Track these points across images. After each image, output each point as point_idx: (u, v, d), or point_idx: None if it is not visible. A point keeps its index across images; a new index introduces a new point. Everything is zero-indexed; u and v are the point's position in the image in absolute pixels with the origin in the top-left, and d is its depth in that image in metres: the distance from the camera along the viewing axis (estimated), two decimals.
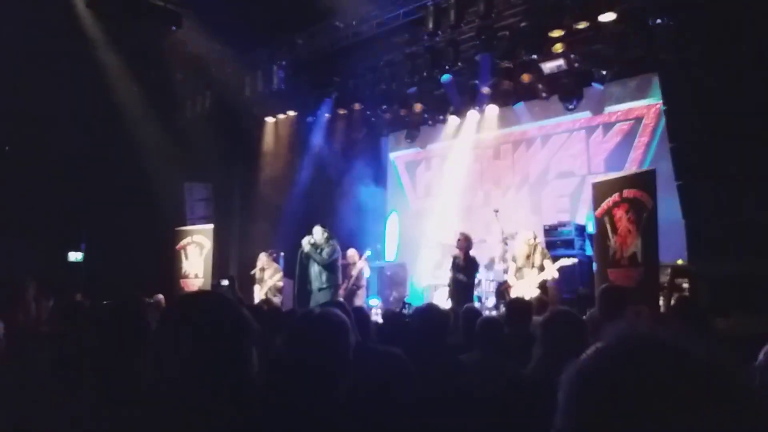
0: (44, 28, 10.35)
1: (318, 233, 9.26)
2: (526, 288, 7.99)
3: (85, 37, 10.57)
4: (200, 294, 1.65)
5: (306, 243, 9.19)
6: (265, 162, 12.91)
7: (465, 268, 8.59)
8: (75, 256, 13.13)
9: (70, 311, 5.55)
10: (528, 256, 8.23)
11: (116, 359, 2.14)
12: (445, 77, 10.66)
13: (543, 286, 8.08)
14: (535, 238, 8.37)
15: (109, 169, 11.98)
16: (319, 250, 9.14)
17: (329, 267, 9.14)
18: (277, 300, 9.60)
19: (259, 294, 10.08)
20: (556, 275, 8.14)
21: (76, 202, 11.86)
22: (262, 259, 10.38)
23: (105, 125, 11.83)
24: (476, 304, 9.06)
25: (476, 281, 9.24)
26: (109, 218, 11.90)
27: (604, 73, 9.98)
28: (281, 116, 12.80)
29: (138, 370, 2.10)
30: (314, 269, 9.20)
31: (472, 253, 8.80)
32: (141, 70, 11.62)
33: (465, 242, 8.73)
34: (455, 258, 8.74)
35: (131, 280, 9.60)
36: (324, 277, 9.11)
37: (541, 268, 8.12)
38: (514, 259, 8.52)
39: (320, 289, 9.09)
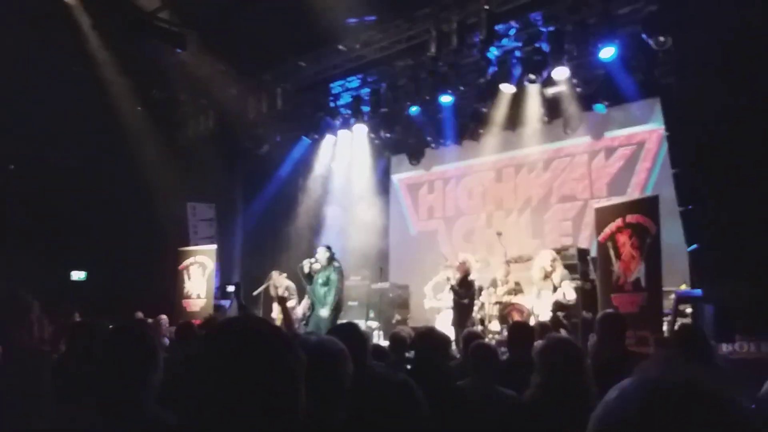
0: (50, 47, 10.45)
1: (321, 254, 9.17)
2: (543, 309, 7.90)
3: (90, 57, 10.66)
4: (247, 321, 1.39)
5: (307, 264, 9.12)
6: (269, 183, 12.94)
7: (461, 293, 8.93)
8: (78, 275, 13.14)
9: (71, 332, 5.55)
10: (545, 277, 8.12)
11: (122, 382, 2.11)
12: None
13: (561, 307, 7.92)
14: (554, 261, 8.19)
15: (112, 189, 12.02)
16: (326, 273, 9.01)
17: (334, 289, 9.00)
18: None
19: (277, 312, 9.97)
20: (573, 296, 7.95)
21: (80, 221, 11.89)
22: (274, 277, 10.31)
23: (109, 144, 11.89)
24: (478, 328, 9.05)
25: (477, 304, 9.31)
26: (112, 237, 11.92)
27: (605, 98, 10.03)
28: (284, 137, 12.86)
29: (145, 393, 2.12)
30: (318, 291, 9.08)
31: (471, 276, 9.00)
32: (145, 91, 11.71)
33: (464, 266, 9.03)
34: (452, 285, 9.10)
35: (134, 300, 9.60)
36: (328, 300, 8.96)
37: (556, 289, 7.96)
38: (534, 282, 8.46)
39: (324, 311, 8.95)
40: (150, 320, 8.23)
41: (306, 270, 9.10)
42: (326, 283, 9.00)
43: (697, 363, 3.78)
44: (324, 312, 8.93)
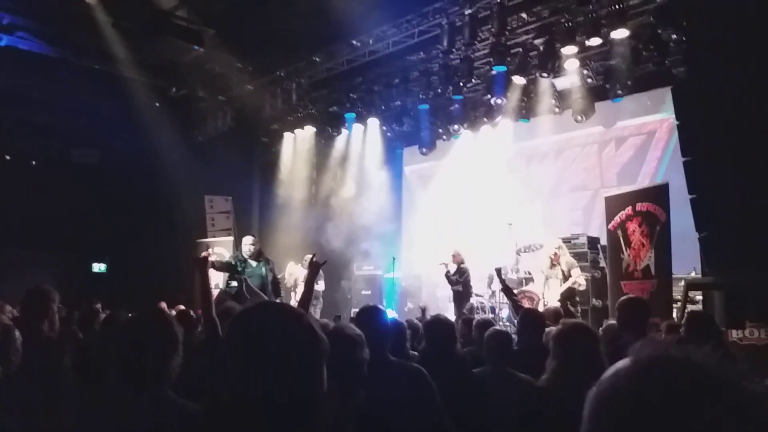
0: (71, 46, 10.68)
1: (246, 246, 8.16)
2: (551, 297, 8.02)
3: (109, 55, 10.86)
4: (271, 307, 1.40)
5: (233, 258, 8.31)
6: (285, 176, 13.14)
7: (457, 281, 9.56)
8: (98, 267, 13.43)
9: (91, 321, 5.73)
10: (552, 266, 8.22)
11: (144, 370, 2.12)
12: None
13: (570, 294, 8.02)
14: (559, 248, 8.26)
15: (132, 183, 12.27)
16: (255, 270, 8.07)
17: (270, 285, 8.12)
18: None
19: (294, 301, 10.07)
20: (581, 282, 8.03)
21: (101, 214, 12.15)
22: (291, 267, 10.53)
23: (129, 140, 12.13)
24: (489, 316, 9.22)
25: (488, 292, 9.85)
26: (132, 230, 12.18)
27: (616, 87, 10.10)
28: (300, 131, 13.05)
29: (164, 381, 2.16)
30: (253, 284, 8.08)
31: (464, 265, 9.61)
32: (164, 88, 11.91)
33: (458, 257, 9.69)
34: (447, 271, 9.70)
35: (153, 291, 9.82)
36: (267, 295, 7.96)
37: (566, 278, 8.06)
38: (542, 271, 8.59)
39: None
40: (173, 311, 8.42)
41: (233, 263, 8.22)
42: (259, 279, 8.08)
43: (704, 347, 3.88)
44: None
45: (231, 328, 1.33)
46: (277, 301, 8.15)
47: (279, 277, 10.32)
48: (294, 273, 10.48)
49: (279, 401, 1.21)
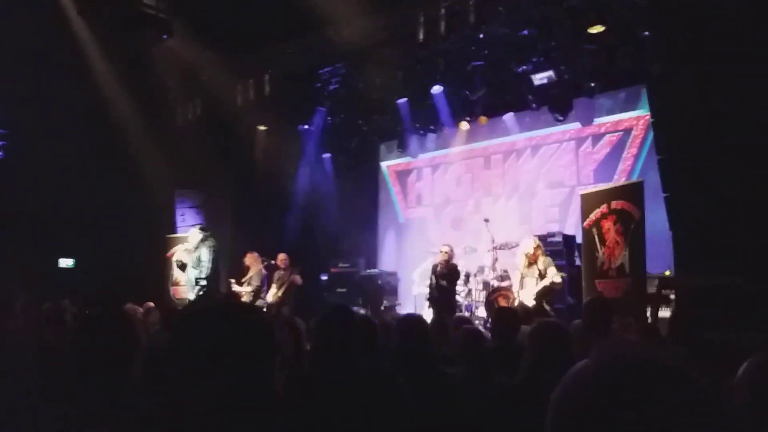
0: (35, 35, 10.34)
1: (193, 236, 8.33)
2: (527, 297, 7.93)
3: (76, 45, 10.56)
4: (220, 305, 1.44)
5: (180, 251, 8.42)
6: (257, 170, 12.91)
7: (447, 275, 8.84)
8: (66, 263, 13.10)
9: (56, 317, 5.56)
10: (530, 265, 8.08)
11: (104, 368, 2.10)
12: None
13: (546, 293, 7.89)
14: (536, 248, 8.08)
15: (100, 176, 11.96)
16: (196, 254, 8.19)
17: (205, 270, 8.18)
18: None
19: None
20: (558, 281, 7.91)
21: (67, 208, 11.83)
22: (249, 259, 10.28)
23: (96, 132, 11.81)
24: (465, 314, 9.12)
25: (464, 290, 9.47)
26: (100, 225, 11.88)
27: (593, 84, 10.05)
28: (272, 125, 12.82)
29: (125, 381, 2.12)
30: (190, 275, 8.28)
31: (454, 261, 9.03)
32: (132, 78, 11.62)
33: (447, 254, 8.97)
34: (436, 266, 9.00)
35: (123, 287, 9.58)
36: (199, 285, 8.16)
37: (542, 276, 7.94)
38: (518, 269, 8.46)
39: (192, 294, 8.09)
40: (140, 308, 8.22)
41: (183, 260, 8.35)
42: (197, 264, 8.19)
43: (672, 347, 3.82)
44: (192, 295, 8.13)
45: (179, 329, 1.38)
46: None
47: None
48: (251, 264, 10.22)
49: (229, 396, 1.22)
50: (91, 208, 11.93)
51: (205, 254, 8.13)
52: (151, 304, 8.65)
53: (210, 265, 8.10)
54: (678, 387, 0.77)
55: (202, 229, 8.49)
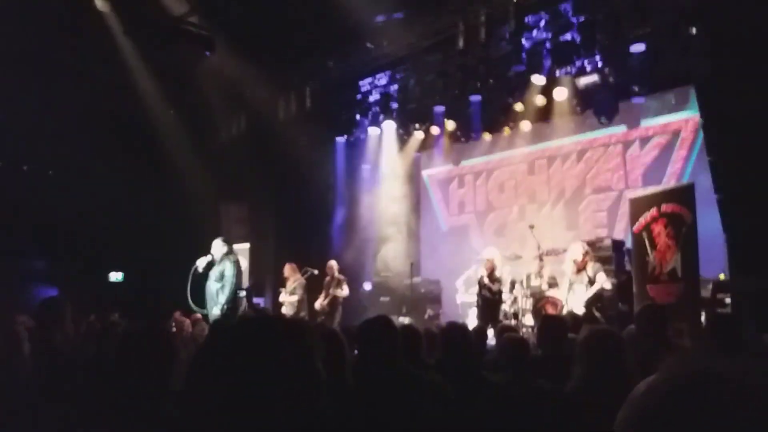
0: (83, 55, 10.66)
1: (216, 248, 8.08)
2: (577, 304, 7.76)
3: (122, 64, 10.85)
4: (259, 319, 1.51)
5: (202, 262, 8.17)
6: (300, 182, 13.02)
7: (490, 284, 8.91)
8: (115, 277, 13.41)
9: (102, 332, 5.67)
10: (578, 271, 7.95)
11: (143, 381, 2.16)
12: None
13: (596, 299, 7.75)
14: (585, 253, 7.96)
15: (147, 192, 12.24)
16: (220, 268, 7.99)
17: (228, 286, 7.90)
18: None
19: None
20: (608, 287, 7.77)
21: (117, 224, 12.13)
22: (288, 270, 10.48)
23: (143, 149, 12.10)
24: (512, 322, 9.00)
25: (510, 298, 9.43)
26: (148, 239, 12.14)
27: (639, 87, 9.83)
28: (314, 137, 12.92)
29: (163, 393, 2.17)
30: (211, 288, 8.03)
31: (498, 272, 9.03)
32: (177, 95, 11.87)
33: (490, 263, 9.03)
34: (482, 277, 9.03)
35: (170, 300, 9.74)
36: (221, 298, 7.90)
37: (591, 283, 7.78)
38: (567, 276, 8.31)
39: (216, 310, 7.88)
40: (188, 319, 8.35)
41: (201, 269, 8.13)
42: (220, 279, 7.95)
43: (731, 355, 3.67)
44: (216, 311, 7.89)
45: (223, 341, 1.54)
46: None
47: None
48: (289, 275, 10.42)
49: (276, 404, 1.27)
50: (139, 223, 12.20)
51: (229, 269, 7.95)
52: (199, 315, 8.79)
53: (233, 280, 7.91)
54: (749, 404, 0.75)
55: (225, 241, 8.32)
